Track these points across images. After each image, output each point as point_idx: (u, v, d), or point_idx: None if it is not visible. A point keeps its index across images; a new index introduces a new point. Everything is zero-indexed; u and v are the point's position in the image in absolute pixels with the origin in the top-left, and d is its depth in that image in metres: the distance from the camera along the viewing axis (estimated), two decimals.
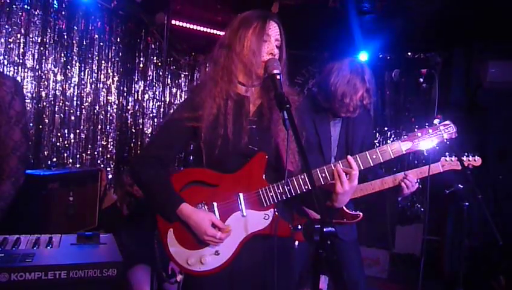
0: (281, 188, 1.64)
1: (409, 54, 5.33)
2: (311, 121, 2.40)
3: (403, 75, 5.25)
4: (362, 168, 1.64)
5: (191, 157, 4.41)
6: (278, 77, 1.63)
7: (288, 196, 1.64)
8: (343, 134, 2.48)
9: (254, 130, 1.73)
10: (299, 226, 1.68)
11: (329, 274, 2.66)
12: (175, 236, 1.64)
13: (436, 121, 1.70)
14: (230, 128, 1.68)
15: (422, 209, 5.22)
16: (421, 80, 2.50)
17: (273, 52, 1.70)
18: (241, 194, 1.66)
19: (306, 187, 1.63)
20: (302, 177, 1.64)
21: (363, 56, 5.08)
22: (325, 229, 1.21)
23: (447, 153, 2.41)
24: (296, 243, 1.74)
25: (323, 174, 1.64)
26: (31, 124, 3.74)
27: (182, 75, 5.45)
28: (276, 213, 1.66)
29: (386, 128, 5.60)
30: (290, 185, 1.64)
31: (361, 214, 2.40)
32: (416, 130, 1.68)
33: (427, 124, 1.72)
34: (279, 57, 1.75)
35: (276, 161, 1.72)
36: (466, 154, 2.41)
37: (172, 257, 1.63)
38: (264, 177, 1.67)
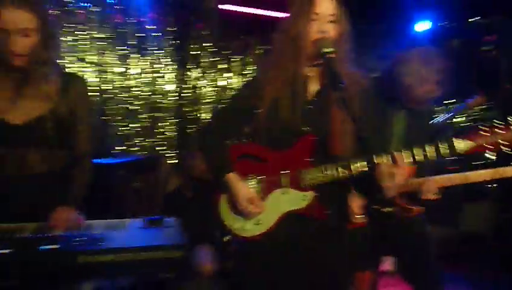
0: (322, 172, 1.66)
1: (472, 20, 4.98)
2: (375, 104, 2.31)
3: (465, 44, 4.93)
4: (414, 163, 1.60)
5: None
6: (331, 55, 1.61)
7: (329, 180, 1.66)
8: (407, 127, 2.34)
9: (311, 110, 1.74)
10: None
11: (393, 254, 2.58)
12: (226, 202, 1.77)
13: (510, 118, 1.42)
14: (287, 110, 1.71)
15: (490, 185, 4.92)
16: (485, 48, 2.31)
17: (323, 30, 1.67)
18: (285, 172, 1.71)
19: (350, 175, 1.63)
20: (341, 163, 1.64)
21: (423, 25, 4.82)
22: (384, 210, 1.19)
23: None
24: (353, 226, 1.75)
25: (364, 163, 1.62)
26: (97, 116, 3.98)
27: (234, 59, 5.48)
28: (315, 195, 1.68)
29: (449, 101, 5.29)
30: (328, 169, 1.65)
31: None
32: (480, 126, 1.45)
33: (495, 120, 1.44)
34: (338, 33, 1.69)
35: (327, 143, 1.71)
36: None
37: (222, 220, 1.77)
38: (309, 159, 1.70)
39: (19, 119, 1.77)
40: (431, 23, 4.78)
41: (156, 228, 1.52)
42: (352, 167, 1.62)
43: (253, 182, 1.75)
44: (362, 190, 1.79)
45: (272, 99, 1.72)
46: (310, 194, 1.68)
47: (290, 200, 1.71)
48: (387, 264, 2.81)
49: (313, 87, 1.78)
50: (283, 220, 1.71)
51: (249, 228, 1.72)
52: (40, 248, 1.28)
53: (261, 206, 1.71)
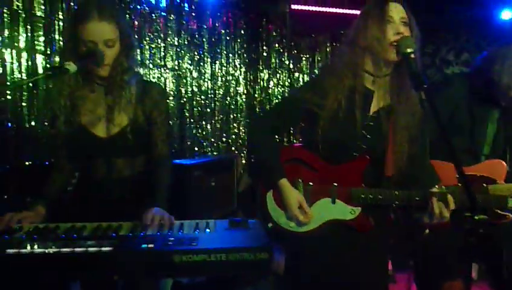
0: (371, 195, 1.72)
1: None
2: (467, 102, 2.22)
3: None
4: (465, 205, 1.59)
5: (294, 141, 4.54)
6: (412, 55, 1.59)
7: (378, 203, 1.72)
8: (502, 125, 2.24)
9: (370, 128, 1.75)
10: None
11: (483, 262, 2.46)
12: (273, 196, 1.85)
13: None
14: (346, 124, 1.73)
15: None
16: None
17: (400, 31, 1.66)
18: (335, 185, 1.77)
19: (397, 203, 1.70)
20: (397, 193, 1.70)
21: (507, 14, 4.48)
22: (476, 217, 1.17)
23: None
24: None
25: (417, 198, 1.69)
26: (175, 119, 4.20)
27: (303, 58, 5.48)
28: (361, 212, 1.76)
29: None
30: (382, 195, 1.72)
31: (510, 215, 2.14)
32: None
33: None
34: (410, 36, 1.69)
35: (380, 163, 1.74)
36: None
37: (268, 211, 1.85)
38: (361, 179, 1.75)
39: (103, 131, 1.90)
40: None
41: (241, 229, 1.58)
42: (403, 197, 1.70)
43: (303, 187, 1.80)
44: (401, 218, 1.89)
45: (333, 111, 1.74)
46: (358, 210, 1.75)
47: (337, 210, 1.78)
48: (472, 271, 2.68)
49: (376, 103, 1.77)
50: (326, 225, 1.79)
51: (293, 226, 1.82)
52: (142, 246, 1.38)
53: (310, 216, 1.77)
